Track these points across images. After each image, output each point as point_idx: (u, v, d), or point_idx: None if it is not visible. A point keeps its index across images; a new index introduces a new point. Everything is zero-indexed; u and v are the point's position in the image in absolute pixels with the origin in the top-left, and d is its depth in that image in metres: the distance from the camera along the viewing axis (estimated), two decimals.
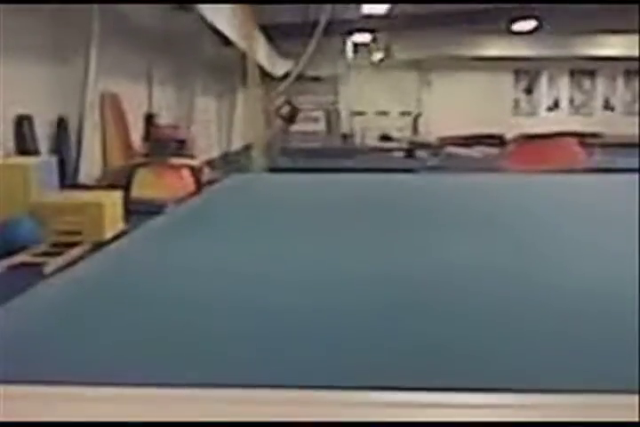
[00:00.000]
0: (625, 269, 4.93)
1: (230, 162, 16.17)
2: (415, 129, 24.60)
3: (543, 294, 4.49)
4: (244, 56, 14.62)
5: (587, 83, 25.46)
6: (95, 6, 9.22)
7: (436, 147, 19.39)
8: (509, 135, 20.91)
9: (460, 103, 23.85)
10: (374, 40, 22.05)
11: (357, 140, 23.53)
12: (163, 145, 11.71)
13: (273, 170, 14.12)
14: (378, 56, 23.57)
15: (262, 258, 5.59)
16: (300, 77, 19.14)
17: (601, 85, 25.51)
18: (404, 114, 25.01)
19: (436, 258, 5.63)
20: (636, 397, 1.85)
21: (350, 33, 21.04)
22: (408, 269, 5.20)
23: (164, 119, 13.81)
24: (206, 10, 11.31)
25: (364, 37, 21.55)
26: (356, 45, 23.18)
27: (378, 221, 7.48)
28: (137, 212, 7.92)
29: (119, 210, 7.33)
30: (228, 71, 18.71)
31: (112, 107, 10.92)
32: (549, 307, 4.10)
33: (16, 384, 1.68)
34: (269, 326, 3.61)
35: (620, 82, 25.48)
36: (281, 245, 6.17)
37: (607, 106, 25.67)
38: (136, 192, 8.65)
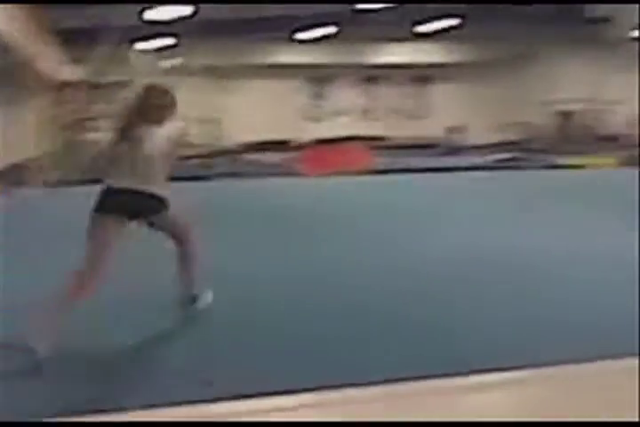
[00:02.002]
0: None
1: (12, 175, 15.28)
2: (215, 136, 24.72)
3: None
4: (26, 63, 13.90)
5: (374, 89, 26.88)
6: None
7: (236, 153, 19.69)
8: (304, 140, 21.73)
9: (254, 110, 24.26)
10: (175, 46, 21.85)
11: None
12: None
13: (61, 183, 13.61)
14: (174, 62, 23.39)
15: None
16: (91, 85, 18.56)
17: (387, 91, 26.98)
18: (203, 121, 25.01)
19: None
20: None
21: (144, 39, 20.67)
22: None
23: None
24: None
25: (161, 42, 21.24)
26: (155, 51, 22.78)
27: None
28: None
29: None
30: (8, 79, 17.63)
31: None
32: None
33: None
34: None
35: (406, 88, 27.11)
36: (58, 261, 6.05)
37: (392, 111, 27.18)
38: None
